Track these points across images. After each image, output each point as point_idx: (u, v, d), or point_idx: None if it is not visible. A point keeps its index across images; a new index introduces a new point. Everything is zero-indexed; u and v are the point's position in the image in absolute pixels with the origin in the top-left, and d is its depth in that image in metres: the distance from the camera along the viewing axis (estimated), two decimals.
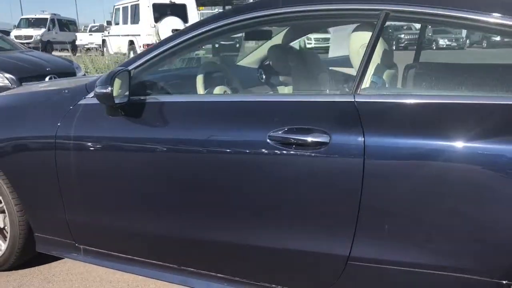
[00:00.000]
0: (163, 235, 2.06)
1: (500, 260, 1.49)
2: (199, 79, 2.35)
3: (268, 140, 1.71)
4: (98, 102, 2.04)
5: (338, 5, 1.86)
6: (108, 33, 16.19)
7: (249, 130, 1.79)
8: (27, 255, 2.55)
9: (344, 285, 1.72)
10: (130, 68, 2.04)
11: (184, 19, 13.98)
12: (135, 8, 13.80)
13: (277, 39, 2.98)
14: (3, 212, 2.48)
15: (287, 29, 2.94)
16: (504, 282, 1.49)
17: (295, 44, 3.27)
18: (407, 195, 1.56)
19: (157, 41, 13.33)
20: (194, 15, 14.59)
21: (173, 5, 13.88)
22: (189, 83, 2.40)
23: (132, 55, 13.58)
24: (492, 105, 1.55)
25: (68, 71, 7.36)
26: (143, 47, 13.32)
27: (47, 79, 6.96)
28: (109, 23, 16.65)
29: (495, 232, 1.48)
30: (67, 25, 29.50)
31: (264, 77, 3.03)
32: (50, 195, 2.25)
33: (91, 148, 2.11)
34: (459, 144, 1.49)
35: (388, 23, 1.76)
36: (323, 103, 1.76)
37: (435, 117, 1.57)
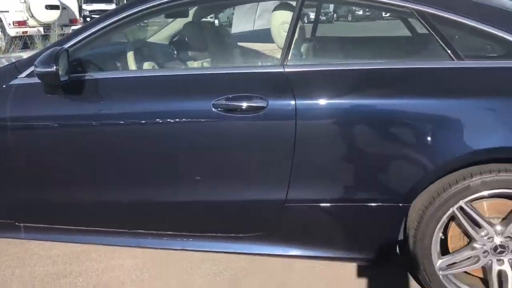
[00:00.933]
0: (103, 204, 2.20)
1: (394, 191, 1.93)
2: (130, 56, 2.48)
3: (212, 108, 1.95)
4: (33, 82, 2.09)
5: None
6: None
7: (194, 100, 2.01)
8: None
9: (285, 221, 2.06)
10: (67, 46, 2.11)
11: None
12: None
13: (188, 18, 3.17)
14: None
15: (196, 7, 3.13)
16: (400, 204, 1.93)
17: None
18: (329, 146, 1.93)
19: (29, 17, 12.34)
20: None
21: None
22: (122, 60, 2.52)
23: (0, 33, 12.43)
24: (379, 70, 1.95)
25: None
26: (14, 24, 12.25)
27: None
28: None
29: (388, 171, 1.91)
30: None
31: (175, 52, 3.20)
32: None
33: (30, 128, 2.15)
34: (368, 102, 1.88)
35: (307, 4, 2.08)
36: (258, 73, 2.04)
37: (347, 82, 1.94)
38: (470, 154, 1.81)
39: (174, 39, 3.25)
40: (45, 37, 11.14)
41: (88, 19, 21.32)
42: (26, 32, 12.09)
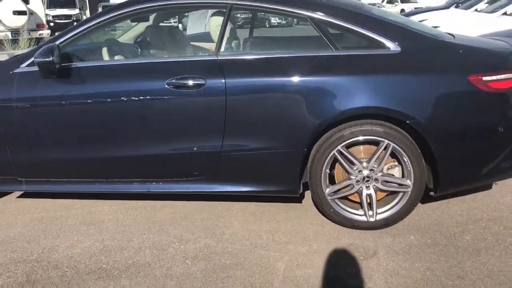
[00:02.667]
0: (87, 160, 2.96)
1: (299, 141, 2.77)
2: (104, 51, 3.27)
3: (166, 85, 2.76)
4: (32, 70, 2.86)
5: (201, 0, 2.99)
6: None
7: (153, 80, 2.81)
8: None
9: (222, 166, 2.86)
10: (58, 43, 2.88)
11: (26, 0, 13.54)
12: None
13: (149, 21, 3.95)
14: None
15: (156, 14, 3.91)
16: (305, 149, 2.77)
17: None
18: (249, 111, 2.75)
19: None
20: None
21: None
22: (98, 53, 3.30)
23: None
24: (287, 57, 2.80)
25: None
26: None
27: None
28: None
29: (293, 127, 2.74)
30: None
31: (139, 50, 3.97)
32: None
33: (31, 104, 2.90)
34: (274, 80, 2.72)
35: (233, 11, 2.93)
36: (200, 61, 2.87)
37: (261, 66, 2.78)
38: (341, 113, 2.67)
39: (138, 39, 4.03)
40: (13, 41, 11.61)
41: (51, 24, 21.64)
42: None
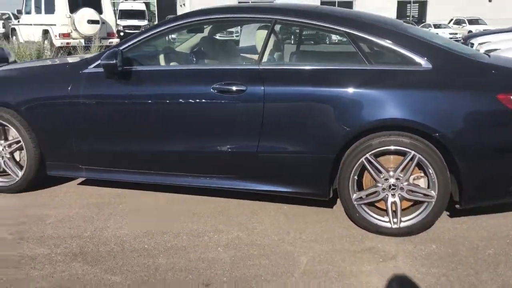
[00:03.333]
0: (139, 153, 3.31)
1: (331, 147, 2.97)
2: (161, 57, 3.65)
3: (211, 90, 3.07)
4: (98, 71, 3.27)
5: (250, 14, 3.30)
6: (18, 22, 16.22)
7: (201, 85, 3.13)
8: (38, 180, 3.65)
9: (257, 166, 3.12)
10: (121, 48, 3.28)
11: (99, 10, 14.62)
12: None
13: (205, 33, 4.32)
14: (21, 149, 3.57)
15: (211, 26, 4.27)
16: (335, 156, 2.97)
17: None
18: (285, 116, 3.00)
19: (73, 30, 13.81)
20: (108, 7, 15.24)
21: None
22: (156, 59, 3.69)
23: (46, 43, 13.95)
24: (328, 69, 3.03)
25: (1, 57, 8.00)
26: (59, 36, 13.79)
27: None
28: (19, 12, 16.64)
29: (327, 134, 2.95)
30: None
31: (195, 59, 4.34)
32: (63, 134, 3.40)
33: (95, 100, 3.31)
34: (313, 89, 2.95)
35: (277, 26, 3.21)
36: (243, 69, 3.17)
37: (298, 77, 3.03)
38: (370, 123, 2.86)
39: (195, 49, 4.40)
40: (86, 47, 12.58)
41: (121, 33, 23.01)
42: (69, 43, 13.61)
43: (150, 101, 3.23)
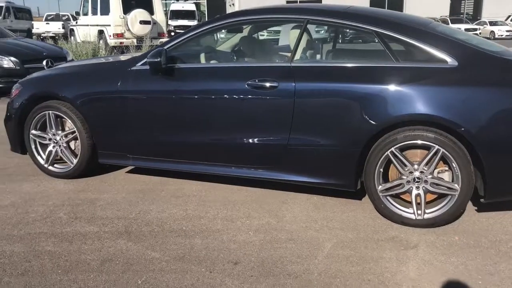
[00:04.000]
0: (181, 143, 3.59)
1: (358, 141, 3.13)
2: (202, 55, 3.92)
3: (246, 86, 3.31)
4: (145, 68, 3.57)
5: (284, 15, 3.51)
6: (76, 23, 17.18)
7: (236, 81, 3.36)
8: (90, 167, 4.02)
9: (287, 157, 3.33)
10: (166, 47, 3.57)
11: (151, 11, 15.25)
12: (105, 0, 14.94)
13: (244, 33, 4.56)
14: (76, 139, 3.95)
15: (251, 26, 4.50)
16: (362, 149, 3.13)
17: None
18: (314, 111, 3.19)
19: (126, 31, 14.47)
20: (159, 8, 15.86)
21: None
22: (197, 57, 3.97)
23: (101, 43, 14.71)
24: (352, 67, 3.19)
25: (60, 56, 8.63)
26: (113, 36, 14.52)
27: (44, 62, 8.23)
28: (77, 13, 17.65)
29: (354, 129, 3.11)
30: (22, 13, 29.67)
31: (235, 57, 4.59)
32: (113, 126, 3.74)
33: (142, 95, 3.62)
34: (341, 86, 3.12)
35: (309, 25, 3.40)
36: (276, 66, 3.38)
37: (327, 73, 3.20)
38: (395, 118, 2.99)
39: (235, 48, 4.65)
40: (138, 47, 13.18)
41: (172, 33, 23.79)
42: (122, 42, 14.31)
43: (191, 96, 3.50)
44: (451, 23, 32.09)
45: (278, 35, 5.26)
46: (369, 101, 3.06)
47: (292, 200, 3.61)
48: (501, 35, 30.22)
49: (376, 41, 3.23)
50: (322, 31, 4.16)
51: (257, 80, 3.30)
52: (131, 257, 2.76)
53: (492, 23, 32.09)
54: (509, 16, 33.37)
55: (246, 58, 4.31)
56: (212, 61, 3.99)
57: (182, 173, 3.99)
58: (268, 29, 5.33)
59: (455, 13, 38.59)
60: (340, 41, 4.41)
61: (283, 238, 3.00)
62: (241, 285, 2.48)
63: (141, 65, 3.66)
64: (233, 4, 38.91)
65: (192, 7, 30.80)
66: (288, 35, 3.99)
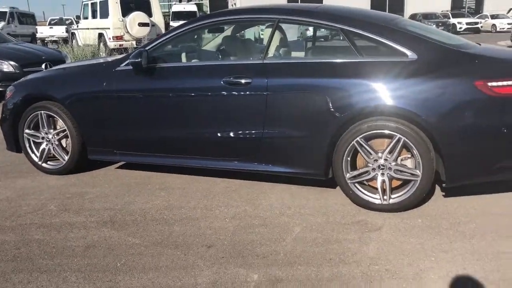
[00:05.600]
0: (163, 138, 3.81)
1: (328, 131, 3.32)
2: (183, 55, 4.14)
3: (221, 83, 3.52)
4: (129, 68, 3.79)
5: (258, 15, 3.72)
6: (77, 26, 17.49)
7: (213, 78, 3.58)
8: (81, 163, 4.25)
9: (263, 149, 3.53)
10: (147, 48, 3.79)
11: (149, 13, 15.51)
12: (104, 4, 15.22)
13: (227, 33, 4.76)
14: (67, 137, 4.18)
15: (233, 26, 4.70)
16: (330, 139, 3.32)
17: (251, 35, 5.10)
18: (285, 105, 3.39)
19: (125, 33, 14.72)
20: (157, 10, 16.12)
21: (138, 1, 15.39)
22: (178, 57, 4.18)
23: (101, 46, 14.99)
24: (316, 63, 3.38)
25: (59, 59, 8.88)
26: (113, 39, 14.80)
27: (43, 66, 8.49)
28: (78, 17, 17.97)
29: (323, 121, 3.30)
30: (26, 18, 30.01)
31: (220, 56, 4.80)
32: (99, 124, 3.97)
33: (126, 94, 3.84)
34: (309, 81, 3.32)
35: (281, 24, 3.61)
36: (250, 64, 3.59)
37: (297, 69, 3.40)
38: (361, 109, 3.18)
39: (215, 48, 4.84)
40: (137, 49, 13.40)
41: None
42: (122, 45, 14.58)
43: (171, 94, 3.72)
44: (452, 17, 32.13)
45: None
46: (335, 95, 3.26)
47: (270, 190, 3.82)
48: (503, 28, 30.19)
49: (342, 37, 3.43)
50: (309, 30, 4.33)
51: (232, 77, 3.51)
52: (112, 243, 2.98)
53: (494, 17, 32.08)
54: (511, 9, 33.29)
55: (223, 56, 4.52)
56: (192, 60, 4.21)
57: (167, 168, 4.21)
58: (241, 29, 5.53)
59: (457, 7, 38.53)
60: (310, 38, 4.60)
61: (256, 224, 3.20)
62: (212, 265, 2.69)
63: (124, 65, 3.88)
64: (235, 4, 39.13)
65: (194, 8, 30.99)
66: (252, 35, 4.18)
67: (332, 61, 3.38)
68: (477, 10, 39.66)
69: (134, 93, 3.84)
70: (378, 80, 3.18)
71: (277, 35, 3.69)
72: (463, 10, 38.44)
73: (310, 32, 4.47)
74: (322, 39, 5.31)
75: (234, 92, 3.52)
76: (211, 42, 4.89)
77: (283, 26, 3.79)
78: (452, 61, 3.18)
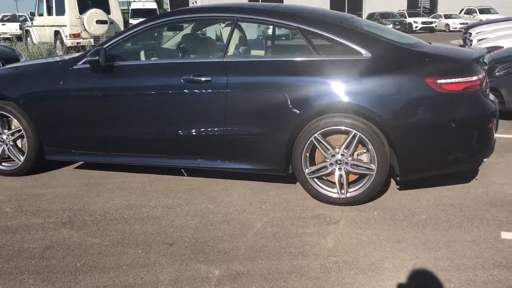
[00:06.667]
0: (122, 137, 3.78)
1: (286, 129, 3.38)
2: (142, 53, 4.11)
3: (182, 81, 3.52)
4: (86, 67, 3.74)
5: (217, 13, 3.75)
6: (32, 23, 16.93)
7: (172, 77, 3.58)
8: (38, 164, 4.15)
9: (224, 147, 3.55)
10: (105, 46, 3.75)
11: (107, 10, 15.20)
12: (60, 0, 14.79)
13: (187, 30, 4.76)
14: (23, 137, 4.08)
15: (192, 24, 4.70)
16: (289, 136, 3.39)
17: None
18: (245, 102, 3.43)
19: (82, 31, 14.38)
20: (115, 7, 15.82)
21: None
22: (137, 55, 4.15)
23: (58, 44, 14.58)
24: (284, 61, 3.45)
25: (12, 57, 8.56)
26: (70, 36, 14.42)
27: None
28: (32, 14, 17.38)
29: (282, 118, 3.37)
30: None
31: (180, 54, 4.79)
32: (57, 123, 3.89)
33: (83, 93, 3.79)
34: (267, 79, 3.37)
35: (239, 23, 3.64)
36: (210, 62, 3.61)
37: (256, 67, 3.45)
38: (317, 106, 3.27)
39: (174, 46, 4.83)
40: (95, 47, 13.12)
41: None
42: (79, 43, 14.22)
43: (130, 92, 3.69)
44: (408, 16, 33.05)
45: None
46: (293, 92, 3.33)
47: (232, 186, 3.86)
48: (455, 28, 31.28)
49: (299, 36, 3.50)
50: (270, 29, 4.36)
51: (191, 75, 3.52)
52: (72, 244, 2.95)
53: (447, 16, 33.22)
54: (462, 9, 34.56)
55: (183, 54, 4.52)
56: (152, 59, 4.19)
57: (127, 167, 4.17)
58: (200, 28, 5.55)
59: (413, 7, 39.69)
60: (268, 37, 4.67)
61: (218, 221, 3.24)
62: (173, 262, 2.71)
63: (82, 64, 3.82)
64: (195, 2, 38.86)
65: (153, 5, 30.55)
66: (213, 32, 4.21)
67: (290, 60, 3.45)
68: (432, 10, 41.01)
69: (92, 92, 3.79)
70: (335, 77, 3.27)
71: (237, 34, 3.73)
72: (419, 10, 39.63)
73: (270, 31, 4.51)
74: (283, 38, 5.39)
75: (194, 90, 3.53)
76: (170, 40, 4.87)
77: (242, 25, 3.83)
78: (404, 59, 3.31)
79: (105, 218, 3.31)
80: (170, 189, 3.85)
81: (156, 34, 4.93)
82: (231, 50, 3.66)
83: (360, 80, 3.24)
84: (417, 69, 3.23)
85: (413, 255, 2.72)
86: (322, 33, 3.43)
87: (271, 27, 4.23)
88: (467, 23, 30.60)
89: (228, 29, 3.75)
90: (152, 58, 4.20)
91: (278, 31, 4.31)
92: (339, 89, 3.25)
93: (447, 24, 32.05)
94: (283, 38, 5.16)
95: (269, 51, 4.22)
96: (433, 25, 32.19)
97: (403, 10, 35.95)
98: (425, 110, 3.19)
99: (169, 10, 46.44)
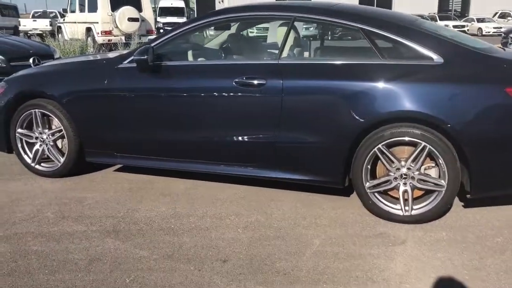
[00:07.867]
0: (169, 141, 3.57)
1: (343, 136, 3.13)
2: (189, 53, 3.90)
3: (234, 84, 3.30)
4: (132, 66, 3.55)
5: (271, 12, 3.51)
6: (64, 20, 17.02)
7: (225, 79, 3.35)
8: (78, 166, 3.99)
9: (276, 155, 3.32)
10: (153, 45, 3.55)
11: (139, 8, 15.15)
12: None
13: (232, 30, 4.55)
14: (63, 137, 3.91)
15: (238, 23, 4.48)
16: (349, 146, 3.13)
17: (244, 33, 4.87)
18: (302, 108, 3.19)
19: (114, 28, 14.39)
20: (147, 5, 15.76)
21: None
22: (184, 54, 3.95)
23: (90, 41, 14.59)
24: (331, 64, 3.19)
25: (47, 53, 8.51)
26: (101, 33, 14.41)
27: (31, 60, 8.12)
28: (64, 10, 17.49)
29: (339, 124, 3.12)
30: (8, 10, 29.25)
31: (223, 55, 4.58)
32: (99, 124, 3.72)
33: (129, 93, 3.60)
34: (330, 83, 3.12)
35: (296, 23, 3.40)
36: (263, 64, 3.37)
37: (315, 71, 3.21)
38: (382, 115, 3.01)
39: (224, 45, 4.63)
40: (126, 44, 13.08)
41: (161, 30, 23.65)
42: (111, 40, 14.20)
43: (178, 94, 3.49)
44: (439, 20, 32.31)
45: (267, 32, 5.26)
46: (355, 98, 3.08)
47: (280, 197, 3.62)
48: (488, 32, 30.46)
49: (363, 38, 3.24)
50: (312, 28, 4.14)
51: (244, 78, 3.29)
52: (119, 256, 2.75)
53: (480, 20, 32.36)
54: (496, 13, 33.64)
55: (234, 55, 4.30)
56: (199, 59, 3.98)
57: (169, 172, 3.97)
58: (251, 27, 5.33)
59: (443, 10, 38.83)
60: (328, 38, 4.41)
61: (271, 235, 3.00)
62: (230, 283, 2.48)
63: (128, 62, 3.63)
64: (222, 1, 38.80)
65: (181, 4, 30.63)
66: (275, 33, 3.99)
67: (352, 63, 3.20)
68: (463, 13, 40.02)
69: (138, 92, 3.60)
70: (402, 84, 3.00)
71: (292, 34, 3.48)
72: (450, 12, 38.76)
73: (328, 31, 4.24)
74: (337, 39, 5.13)
75: (246, 94, 3.30)
76: (216, 39, 4.66)
77: (298, 24, 3.59)
78: (481, 66, 3.02)
79: (151, 228, 3.11)
80: (216, 197, 3.63)
81: (204, 34, 4.72)
82: (286, 51, 3.42)
83: (430, 87, 2.97)
84: (496, 77, 2.94)
85: (497, 286, 2.44)
86: (388, 35, 3.16)
87: (326, 27, 3.98)
88: (501, 27, 29.79)
89: (283, 29, 3.51)
90: (199, 59, 3.99)
91: (335, 32, 4.06)
92: (407, 96, 2.98)
93: (479, 28, 31.21)
94: (336, 38, 4.91)
95: (326, 53, 3.96)
96: (465, 29, 31.39)
97: (434, 13, 35.19)
98: (505, 121, 2.89)
99: (195, 8, 46.51)
